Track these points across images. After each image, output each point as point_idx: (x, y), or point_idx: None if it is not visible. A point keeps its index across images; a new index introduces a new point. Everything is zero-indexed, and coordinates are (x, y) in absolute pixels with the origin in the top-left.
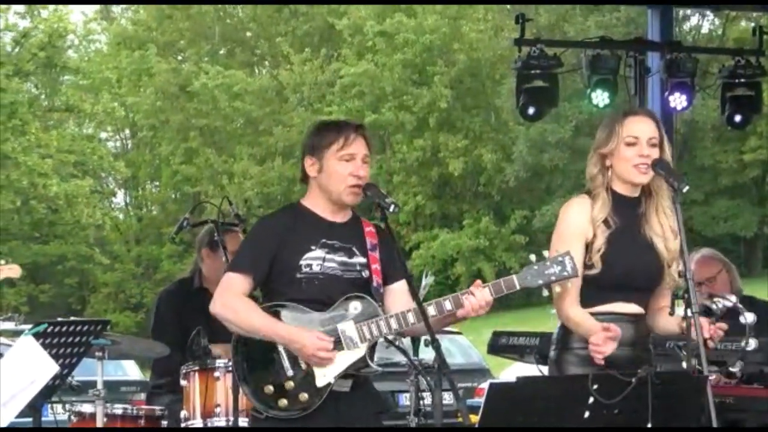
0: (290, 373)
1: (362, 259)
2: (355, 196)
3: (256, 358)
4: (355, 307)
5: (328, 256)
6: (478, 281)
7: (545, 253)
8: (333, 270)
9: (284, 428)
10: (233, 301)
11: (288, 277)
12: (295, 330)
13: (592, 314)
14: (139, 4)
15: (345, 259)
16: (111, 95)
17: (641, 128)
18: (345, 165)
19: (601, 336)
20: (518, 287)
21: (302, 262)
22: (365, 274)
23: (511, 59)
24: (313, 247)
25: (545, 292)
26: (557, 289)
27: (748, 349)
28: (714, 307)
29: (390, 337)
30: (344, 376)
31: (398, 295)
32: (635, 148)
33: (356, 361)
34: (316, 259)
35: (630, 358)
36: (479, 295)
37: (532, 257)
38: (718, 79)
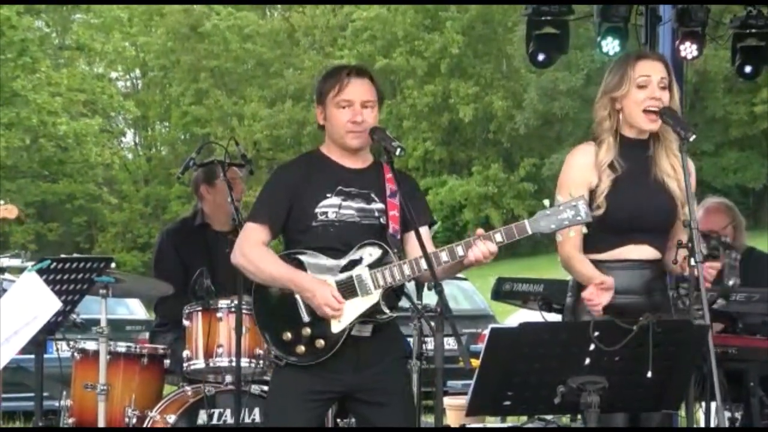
0: (306, 319)
1: (380, 205)
2: (359, 139)
3: (275, 306)
4: (370, 253)
5: (345, 203)
6: (480, 230)
7: (559, 198)
8: (350, 217)
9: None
10: (251, 250)
11: (304, 225)
12: (309, 280)
13: (604, 261)
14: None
15: (363, 205)
16: (122, 35)
17: (653, 68)
18: (343, 112)
19: (593, 290)
20: (530, 232)
21: (317, 210)
22: (383, 220)
23: (523, 6)
24: (328, 195)
25: (559, 237)
26: (572, 233)
27: (729, 283)
28: (708, 244)
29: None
30: (364, 321)
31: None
32: (646, 90)
33: (370, 308)
34: (331, 207)
35: (644, 306)
36: (482, 246)
37: (546, 202)
38: (729, 29)
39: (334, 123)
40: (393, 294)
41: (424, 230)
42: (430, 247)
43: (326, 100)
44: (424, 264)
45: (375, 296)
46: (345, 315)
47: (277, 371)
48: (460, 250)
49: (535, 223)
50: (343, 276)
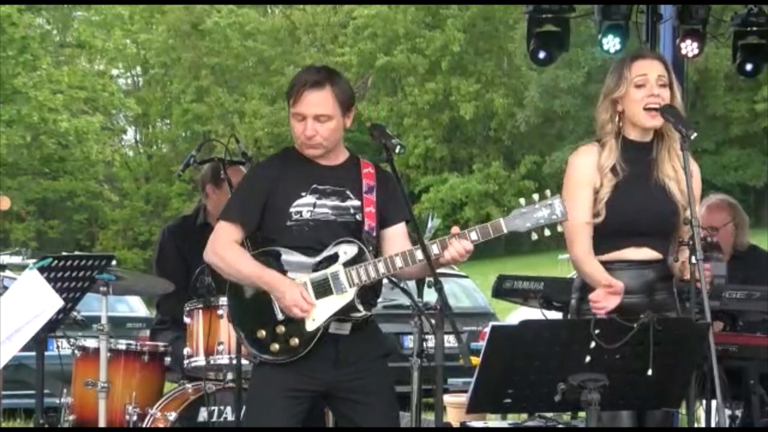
0: (280, 317)
1: (356, 202)
2: (314, 150)
3: (249, 304)
4: (345, 251)
5: (319, 202)
6: (455, 228)
7: (535, 196)
8: (325, 215)
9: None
10: (223, 248)
11: (279, 224)
12: (280, 279)
13: (604, 263)
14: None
15: (338, 203)
16: (123, 32)
17: (650, 67)
18: (298, 124)
19: (601, 292)
20: (505, 231)
21: (292, 210)
22: (359, 217)
23: (524, 4)
24: (303, 194)
25: (534, 236)
26: (559, 228)
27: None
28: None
29: (395, 280)
30: (341, 319)
31: (396, 239)
32: (644, 89)
33: (345, 306)
34: (306, 206)
35: (646, 306)
36: (458, 245)
37: (521, 201)
38: (730, 27)
39: (293, 131)
40: (370, 292)
41: (401, 226)
42: (407, 245)
43: (289, 107)
44: (398, 261)
45: (350, 294)
46: (319, 313)
47: (255, 368)
48: (435, 249)
49: (511, 222)
50: (318, 274)
